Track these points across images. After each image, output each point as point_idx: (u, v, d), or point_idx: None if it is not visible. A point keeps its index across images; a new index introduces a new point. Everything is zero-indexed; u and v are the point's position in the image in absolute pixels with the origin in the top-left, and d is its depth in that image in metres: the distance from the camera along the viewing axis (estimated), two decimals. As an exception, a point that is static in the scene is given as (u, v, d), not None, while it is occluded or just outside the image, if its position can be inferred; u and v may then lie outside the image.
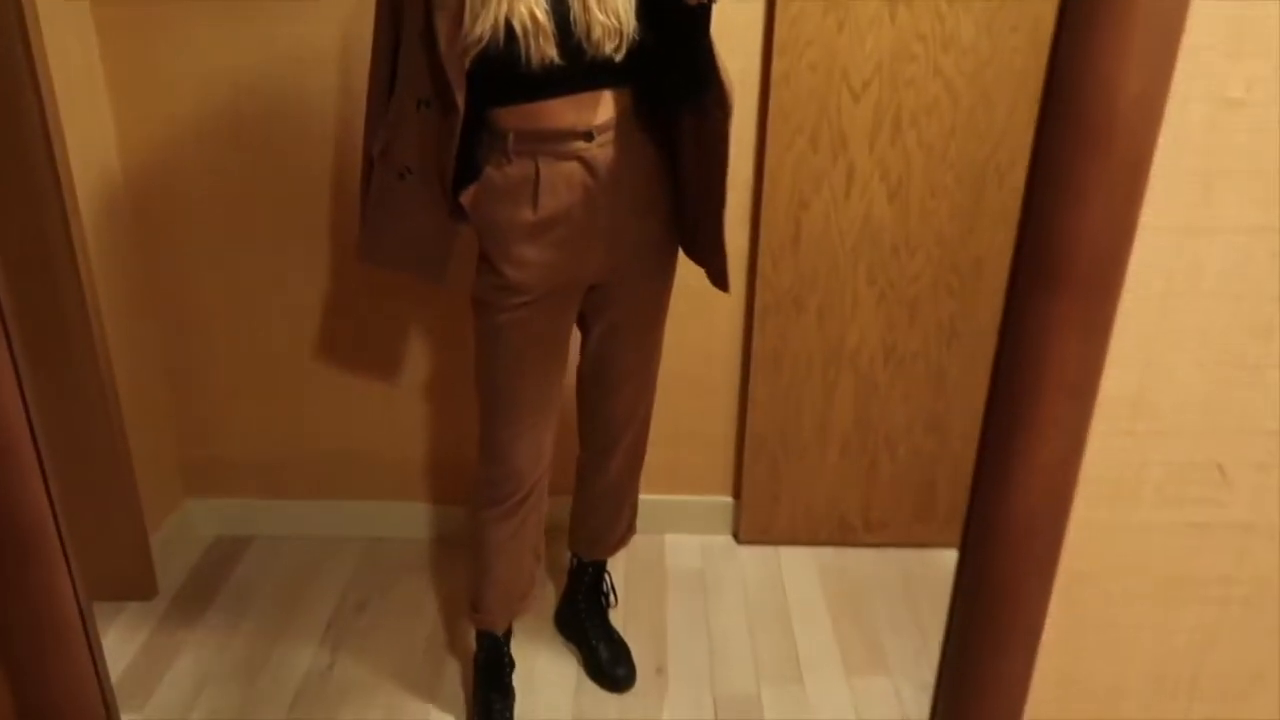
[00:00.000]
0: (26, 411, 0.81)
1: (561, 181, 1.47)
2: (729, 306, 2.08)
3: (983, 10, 1.85)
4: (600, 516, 1.88)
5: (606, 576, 2.00)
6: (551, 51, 1.36)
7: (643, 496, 1.90)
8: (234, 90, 1.90)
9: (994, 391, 0.80)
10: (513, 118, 1.45)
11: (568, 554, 2.00)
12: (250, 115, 1.92)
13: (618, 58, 1.40)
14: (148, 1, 1.82)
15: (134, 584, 2.06)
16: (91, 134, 1.86)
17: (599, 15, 1.37)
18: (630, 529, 1.92)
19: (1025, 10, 1.84)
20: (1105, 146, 0.68)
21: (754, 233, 2.02)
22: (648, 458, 1.83)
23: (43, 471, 0.84)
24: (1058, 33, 0.68)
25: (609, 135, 1.48)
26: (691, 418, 2.17)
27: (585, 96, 1.45)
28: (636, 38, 1.41)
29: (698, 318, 2.06)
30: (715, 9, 1.37)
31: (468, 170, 1.48)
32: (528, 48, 1.35)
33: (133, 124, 1.92)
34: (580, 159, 1.46)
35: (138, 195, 1.97)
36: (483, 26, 1.33)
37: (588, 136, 1.45)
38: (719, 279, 1.61)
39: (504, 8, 1.34)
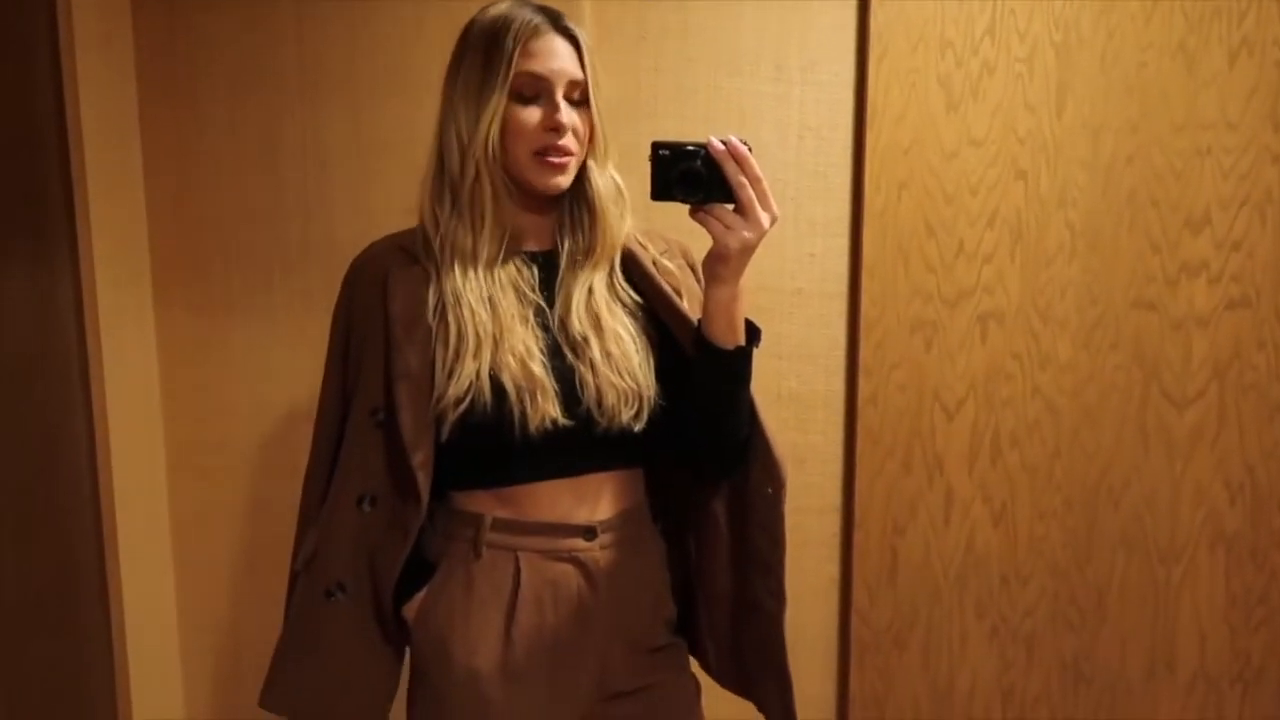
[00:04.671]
0: None
1: (549, 591, 1.13)
2: (822, 645, 1.86)
3: (1078, 327, 1.76)
4: None
5: None
6: (554, 410, 1.09)
7: None
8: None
9: None
10: (490, 502, 1.15)
11: None
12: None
13: (637, 427, 1.13)
14: (210, 321, 1.77)
15: None
16: (140, 453, 1.76)
17: (611, 377, 1.11)
18: None
19: (1124, 327, 1.75)
20: None
21: (845, 563, 1.83)
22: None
23: None
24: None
25: (616, 533, 1.17)
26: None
27: (590, 480, 1.16)
28: (659, 402, 1.15)
29: (786, 656, 1.84)
30: (756, 352, 1.14)
31: (412, 576, 1.16)
32: (523, 409, 1.08)
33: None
34: (577, 561, 1.15)
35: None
36: (461, 385, 1.07)
37: (589, 533, 1.15)
38: (779, 717, 1.23)
39: (486, 358, 1.08)
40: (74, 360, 1.60)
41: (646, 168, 1.08)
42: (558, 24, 1.11)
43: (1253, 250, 1.74)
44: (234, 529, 1.81)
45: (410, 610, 1.15)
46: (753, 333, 1.13)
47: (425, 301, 1.13)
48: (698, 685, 1.30)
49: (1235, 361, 1.77)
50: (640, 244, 1.22)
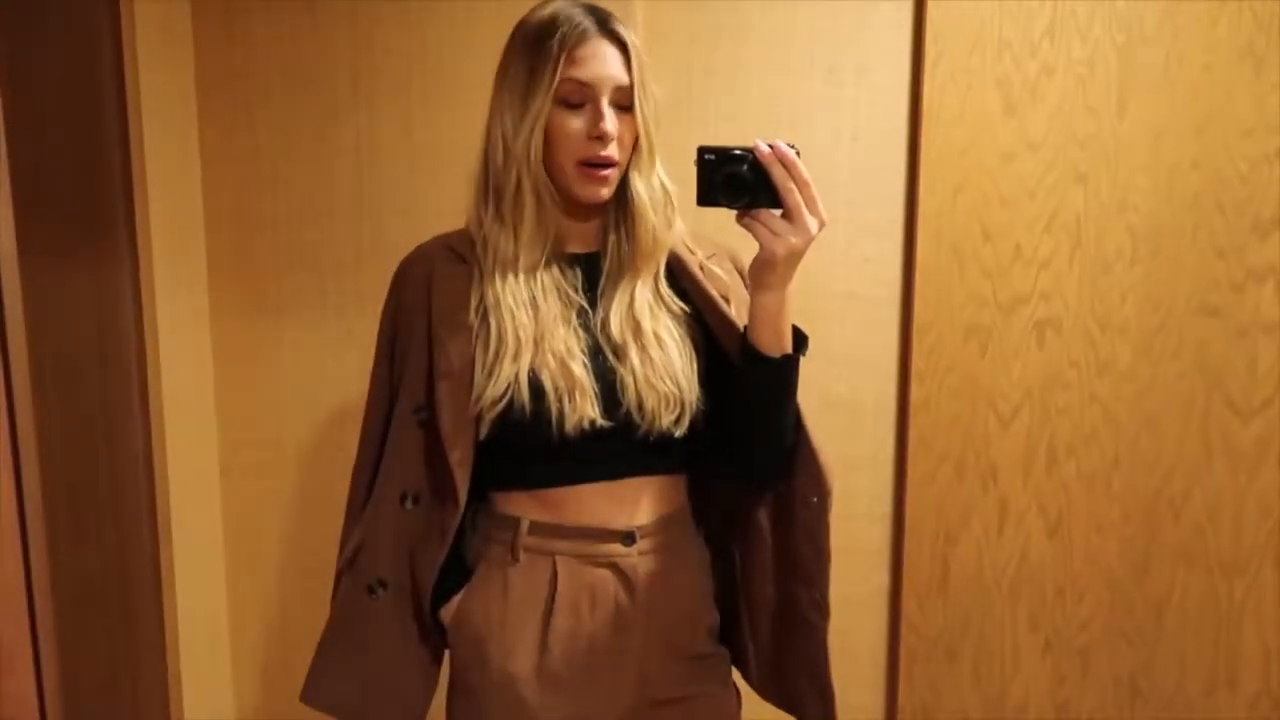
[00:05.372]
0: None
1: (586, 596, 1.12)
2: (870, 653, 1.83)
3: (1139, 335, 1.71)
4: None
5: None
6: (591, 411, 1.07)
7: None
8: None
9: None
10: (528, 504, 1.14)
11: None
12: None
13: (678, 432, 1.11)
14: (263, 321, 1.78)
15: None
16: (194, 451, 1.78)
17: (652, 380, 1.09)
18: None
19: (1186, 335, 1.71)
20: None
21: (896, 572, 1.80)
22: None
23: None
24: None
25: (656, 539, 1.15)
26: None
27: (629, 484, 1.14)
28: (702, 408, 1.13)
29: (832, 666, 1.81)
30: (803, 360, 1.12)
31: (450, 578, 1.16)
32: (560, 408, 1.06)
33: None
34: (615, 567, 1.13)
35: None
36: (499, 387, 1.07)
37: (627, 539, 1.13)
38: None
39: (526, 360, 1.07)
40: (131, 359, 1.63)
41: (694, 171, 1.07)
42: (605, 27, 1.09)
43: (1322, 257, 1.69)
44: (285, 526, 1.83)
45: (447, 613, 1.16)
46: (800, 340, 1.11)
47: (468, 300, 1.13)
48: (739, 698, 1.28)
49: (1303, 371, 1.71)
50: (688, 248, 1.21)
